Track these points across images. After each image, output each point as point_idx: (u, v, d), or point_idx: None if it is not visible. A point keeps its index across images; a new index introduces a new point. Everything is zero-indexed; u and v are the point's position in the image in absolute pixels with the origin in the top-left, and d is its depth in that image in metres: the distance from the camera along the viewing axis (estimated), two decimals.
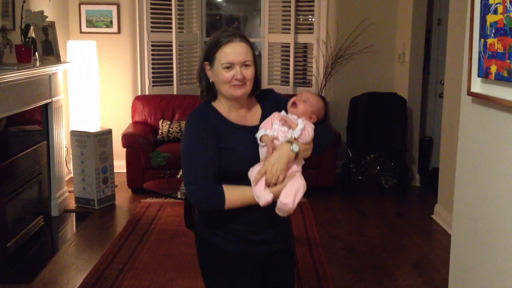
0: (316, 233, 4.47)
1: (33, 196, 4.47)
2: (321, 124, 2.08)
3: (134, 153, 5.40)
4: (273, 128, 1.96)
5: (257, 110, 2.08)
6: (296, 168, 1.98)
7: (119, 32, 6.14)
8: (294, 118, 2.00)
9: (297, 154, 1.95)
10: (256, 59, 2.03)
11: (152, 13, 6.12)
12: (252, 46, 2.00)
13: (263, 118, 2.04)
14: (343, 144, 5.87)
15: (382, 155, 5.57)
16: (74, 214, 4.97)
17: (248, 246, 2.02)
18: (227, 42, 1.93)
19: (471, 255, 2.46)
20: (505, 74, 2.09)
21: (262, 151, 1.96)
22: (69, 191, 5.25)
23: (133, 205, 5.19)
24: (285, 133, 1.96)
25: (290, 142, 1.94)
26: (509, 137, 2.12)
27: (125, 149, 5.44)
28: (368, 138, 5.59)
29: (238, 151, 1.95)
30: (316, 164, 5.45)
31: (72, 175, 5.32)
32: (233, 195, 1.92)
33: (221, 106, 2.02)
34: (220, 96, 2.01)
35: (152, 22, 6.14)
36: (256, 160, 1.96)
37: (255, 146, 1.97)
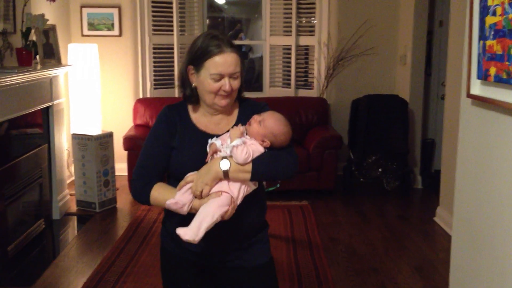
0: (317, 236, 4.46)
1: (34, 199, 4.47)
2: (280, 151, 1.92)
3: (135, 156, 5.39)
4: (220, 139, 1.91)
5: (233, 120, 2.02)
6: (227, 188, 1.84)
7: (120, 35, 6.14)
8: (236, 133, 1.89)
9: (226, 173, 1.83)
10: (242, 68, 1.99)
11: (153, 16, 6.13)
12: (241, 54, 1.96)
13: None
14: (345, 146, 5.86)
15: (384, 157, 5.55)
16: (75, 217, 4.97)
17: (180, 250, 2.03)
18: (218, 52, 1.88)
19: (471, 258, 2.44)
20: (504, 76, 2.08)
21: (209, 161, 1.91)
22: (70, 194, 5.25)
23: (134, 208, 5.19)
24: (221, 146, 1.89)
25: (225, 158, 1.85)
26: (508, 139, 2.11)
27: (126, 152, 5.44)
28: (370, 140, 5.58)
29: (184, 152, 1.94)
30: (317, 166, 5.44)
31: (73, 178, 5.32)
32: (159, 193, 1.92)
33: (195, 108, 2.01)
34: (201, 102, 1.98)
35: (153, 25, 6.15)
36: (202, 165, 1.89)
37: (206, 155, 1.92)
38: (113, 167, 5.22)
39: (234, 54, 1.90)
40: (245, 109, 2.04)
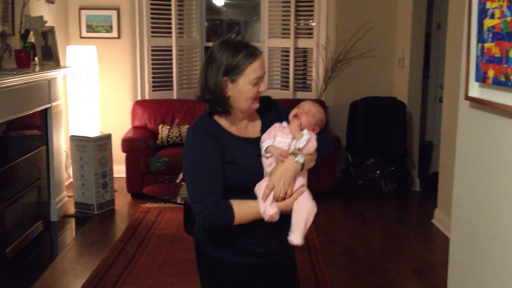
0: (315, 238, 4.46)
1: (33, 201, 4.47)
2: (322, 133, 2.04)
3: (133, 158, 5.40)
4: (276, 140, 1.93)
5: (257, 121, 2.04)
6: (303, 180, 1.93)
7: (119, 37, 6.15)
8: (297, 129, 1.96)
9: (302, 166, 1.90)
10: None
11: (152, 18, 6.13)
12: None
13: (263, 128, 2.01)
14: (343, 148, 5.86)
15: (382, 160, 5.56)
16: (73, 219, 4.96)
17: (251, 258, 1.99)
18: (255, 57, 1.89)
19: (470, 260, 2.45)
20: (503, 79, 2.09)
21: (265, 163, 1.92)
22: (68, 196, 5.25)
23: (133, 210, 5.19)
24: (289, 145, 1.92)
25: (294, 153, 1.90)
26: (506, 141, 2.12)
27: (124, 154, 5.43)
28: (368, 143, 5.59)
29: (242, 164, 1.91)
30: (316, 168, 5.42)
31: (71, 180, 5.31)
32: (242, 210, 1.87)
33: (221, 119, 1.96)
34: (232, 110, 1.94)
35: (152, 27, 6.15)
36: (260, 172, 1.92)
37: (259, 158, 1.94)
38: (111, 169, 5.22)
39: (262, 58, 1.94)
40: (260, 107, 2.01)
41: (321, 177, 5.47)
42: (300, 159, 1.89)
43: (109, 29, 6.12)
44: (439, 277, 3.76)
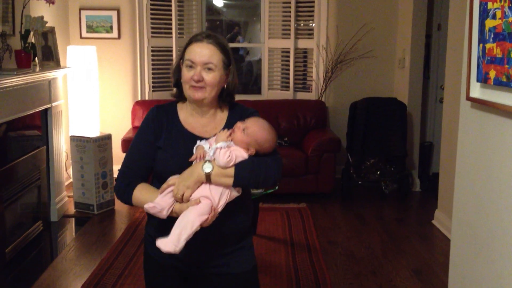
0: (315, 239, 4.45)
1: (32, 201, 4.46)
2: (265, 158, 1.90)
3: None
4: (207, 143, 1.89)
5: (221, 123, 2.00)
6: (208, 193, 1.81)
7: (119, 37, 6.14)
8: (223, 138, 1.88)
9: (208, 176, 1.81)
10: (231, 67, 1.97)
11: (152, 18, 6.13)
12: (225, 52, 1.94)
13: None
14: (343, 149, 5.86)
15: (382, 160, 5.56)
16: (73, 219, 4.96)
17: (163, 256, 1.87)
18: (196, 41, 1.92)
19: (471, 261, 2.44)
20: (504, 79, 2.09)
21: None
22: (68, 196, 5.24)
23: (133, 211, 5.18)
24: (207, 151, 1.86)
25: (208, 161, 1.82)
26: (508, 142, 2.11)
27: (124, 154, 5.42)
28: (368, 143, 5.59)
29: (169, 153, 1.92)
30: (315, 169, 5.44)
31: (71, 180, 5.31)
32: (141, 194, 1.91)
33: (183, 109, 2.00)
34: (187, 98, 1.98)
35: (152, 27, 6.15)
36: (186, 166, 1.86)
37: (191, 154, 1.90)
38: (111, 169, 5.21)
39: (210, 45, 1.91)
40: (235, 114, 2.02)
41: (320, 178, 5.47)
42: (206, 168, 1.81)
43: (109, 30, 6.12)
44: (439, 278, 3.76)
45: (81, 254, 4.21)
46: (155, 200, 1.84)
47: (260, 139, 1.88)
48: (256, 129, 1.88)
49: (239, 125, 1.89)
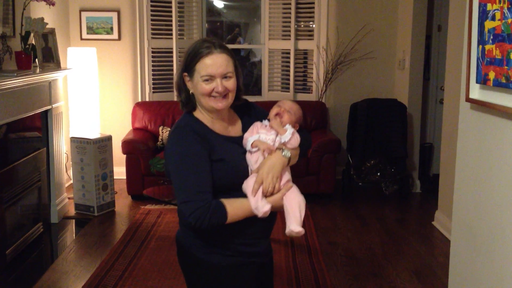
0: (316, 240, 4.45)
1: (33, 202, 4.47)
2: (301, 130, 2.06)
3: (134, 159, 5.40)
4: (260, 136, 1.95)
5: (238, 121, 2.05)
6: (288, 176, 1.95)
7: (119, 38, 6.15)
8: (279, 125, 1.99)
9: (289, 160, 1.93)
10: (238, 69, 1.98)
11: (152, 20, 6.13)
12: (233, 56, 1.95)
13: (244, 128, 2.02)
14: (343, 150, 5.86)
15: (382, 161, 5.56)
16: (73, 221, 4.96)
17: (241, 258, 1.97)
18: (207, 53, 1.88)
19: (471, 262, 2.44)
20: (503, 81, 2.09)
21: (252, 160, 1.92)
22: (68, 198, 5.25)
23: (133, 212, 5.18)
24: (273, 141, 1.95)
25: (280, 148, 1.93)
26: (507, 143, 2.11)
27: (125, 156, 5.43)
28: (368, 144, 5.59)
29: (230, 162, 1.91)
30: (316, 170, 5.44)
31: (72, 181, 5.31)
32: (234, 207, 1.85)
33: (203, 117, 1.97)
34: (201, 107, 1.96)
35: (152, 29, 6.15)
36: (246, 170, 1.94)
37: (243, 156, 1.95)
38: (111, 171, 5.22)
39: (223, 55, 1.90)
40: (238, 109, 2.06)
41: (321, 179, 5.47)
42: (286, 153, 1.92)
43: (109, 31, 6.12)
44: (440, 279, 3.76)
45: (81, 255, 4.21)
46: (261, 203, 1.86)
47: (301, 114, 2.07)
48: (296, 107, 2.07)
49: (282, 108, 2.00)
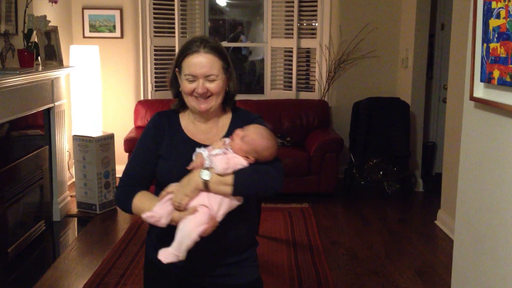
0: (318, 239, 4.44)
1: (35, 200, 4.46)
2: (265, 166, 1.84)
3: None
4: (206, 151, 1.84)
5: (223, 129, 1.96)
6: (206, 201, 1.77)
7: (122, 36, 6.14)
8: (219, 145, 1.85)
9: (206, 184, 1.76)
10: (230, 72, 1.93)
11: (155, 18, 6.13)
12: (224, 58, 1.89)
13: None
14: (346, 149, 5.85)
15: (385, 160, 5.54)
16: (75, 219, 4.96)
17: (180, 270, 1.94)
18: (193, 52, 1.85)
19: (474, 261, 2.43)
20: (508, 79, 2.07)
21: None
22: (71, 196, 5.24)
23: None
24: (206, 159, 1.82)
25: (206, 168, 1.78)
26: (511, 142, 2.10)
27: (127, 154, 5.42)
28: (371, 143, 5.57)
29: (171, 161, 1.89)
30: (318, 169, 5.43)
31: (74, 179, 5.31)
32: (141, 203, 1.87)
33: (185, 116, 1.98)
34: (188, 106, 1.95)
35: (155, 27, 6.15)
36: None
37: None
38: (114, 169, 5.21)
39: (209, 55, 1.85)
40: (237, 119, 1.98)
41: (323, 178, 5.45)
42: (204, 175, 1.76)
43: (112, 29, 6.12)
44: (442, 278, 3.74)
45: (83, 253, 4.21)
46: (154, 209, 1.79)
47: (259, 147, 1.82)
48: (254, 137, 1.83)
49: (238, 132, 1.84)
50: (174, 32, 6.17)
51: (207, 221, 1.76)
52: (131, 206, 1.89)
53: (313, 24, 6.33)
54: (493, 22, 2.19)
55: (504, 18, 2.09)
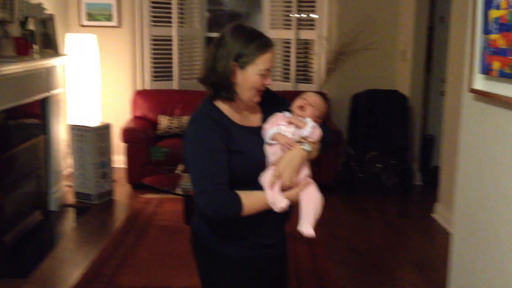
0: (316, 231, 4.42)
1: (32, 190, 4.45)
2: (324, 125, 2.00)
3: (133, 148, 5.37)
4: (280, 129, 1.88)
5: (257, 110, 1.99)
6: (307, 171, 1.90)
7: (119, 25, 6.10)
8: (300, 118, 1.93)
9: (309, 154, 1.87)
10: None
11: (152, 7, 6.09)
12: None
13: (264, 118, 1.96)
14: (344, 141, 5.83)
15: (383, 153, 5.53)
16: (72, 209, 4.94)
17: (256, 251, 1.95)
18: (268, 48, 1.85)
19: (472, 254, 2.43)
20: (508, 71, 2.06)
21: (269, 152, 1.87)
22: (68, 186, 5.22)
23: (132, 201, 5.16)
24: (293, 134, 1.87)
25: (300, 142, 1.86)
26: (511, 134, 2.09)
27: (124, 144, 5.41)
28: (370, 136, 5.56)
29: (248, 153, 1.86)
30: (317, 161, 5.39)
31: (71, 169, 5.29)
32: (250, 200, 1.81)
33: (224, 106, 1.91)
34: (235, 98, 1.89)
35: (152, 16, 6.11)
36: (264, 162, 1.87)
37: (261, 147, 1.89)
38: (111, 159, 5.19)
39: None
40: (262, 99, 1.97)
41: (322, 170, 5.44)
42: (307, 146, 1.86)
43: (109, 18, 6.07)
44: (440, 271, 3.74)
45: (80, 244, 4.20)
46: (278, 198, 1.81)
47: (325, 109, 2.02)
48: (321, 101, 2.00)
49: (302, 102, 1.95)
50: (171, 22, 6.13)
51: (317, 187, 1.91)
52: (241, 208, 1.79)
53: (312, 15, 6.30)
54: (493, 13, 2.17)
55: (504, 9, 2.07)
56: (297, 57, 6.32)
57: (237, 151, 1.83)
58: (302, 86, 6.34)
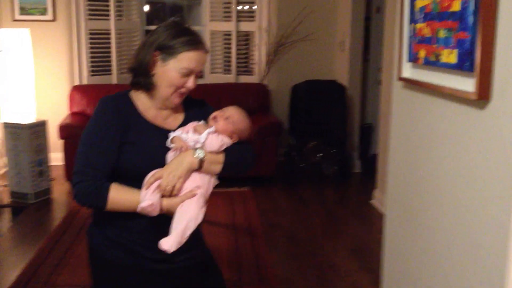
0: (258, 222, 4.46)
1: None
2: (242, 145, 1.91)
3: (71, 145, 5.23)
4: (186, 135, 1.82)
5: (180, 116, 1.94)
6: (199, 182, 1.77)
7: (54, 19, 5.93)
8: (206, 127, 1.86)
9: (201, 163, 1.76)
10: None
11: (88, 0, 5.94)
12: None
13: (184, 124, 1.90)
14: (285, 132, 5.88)
15: (323, 143, 5.61)
16: (8, 209, 4.78)
17: (136, 259, 1.83)
18: (197, 48, 1.81)
19: (404, 235, 2.49)
20: (433, 59, 2.11)
21: (169, 156, 1.79)
22: (3, 185, 5.05)
23: (70, 199, 5.04)
24: (195, 142, 1.79)
25: (198, 148, 1.78)
26: (437, 120, 2.15)
27: (62, 141, 5.27)
28: (309, 126, 5.63)
29: (141, 148, 1.79)
30: (257, 153, 5.44)
31: (6, 168, 5.12)
32: (119, 195, 1.72)
33: (140, 99, 1.86)
34: (153, 92, 1.85)
35: (89, 9, 5.96)
36: (162, 165, 1.77)
37: (164, 150, 1.80)
38: (48, 157, 5.05)
39: (206, 55, 1.86)
40: (188, 105, 1.96)
41: (263, 161, 5.46)
42: (199, 154, 1.75)
43: (43, 12, 5.89)
44: (375, 255, 3.82)
45: (16, 244, 4.07)
46: (146, 197, 1.68)
47: (243, 127, 1.91)
48: (240, 117, 1.91)
49: (219, 114, 1.87)
50: (109, 15, 6.01)
51: (205, 202, 1.76)
52: (106, 201, 1.71)
53: (252, 7, 6.30)
54: (419, 3, 2.22)
55: None
56: (238, 49, 6.32)
57: (128, 142, 1.78)
58: (243, 78, 6.35)
